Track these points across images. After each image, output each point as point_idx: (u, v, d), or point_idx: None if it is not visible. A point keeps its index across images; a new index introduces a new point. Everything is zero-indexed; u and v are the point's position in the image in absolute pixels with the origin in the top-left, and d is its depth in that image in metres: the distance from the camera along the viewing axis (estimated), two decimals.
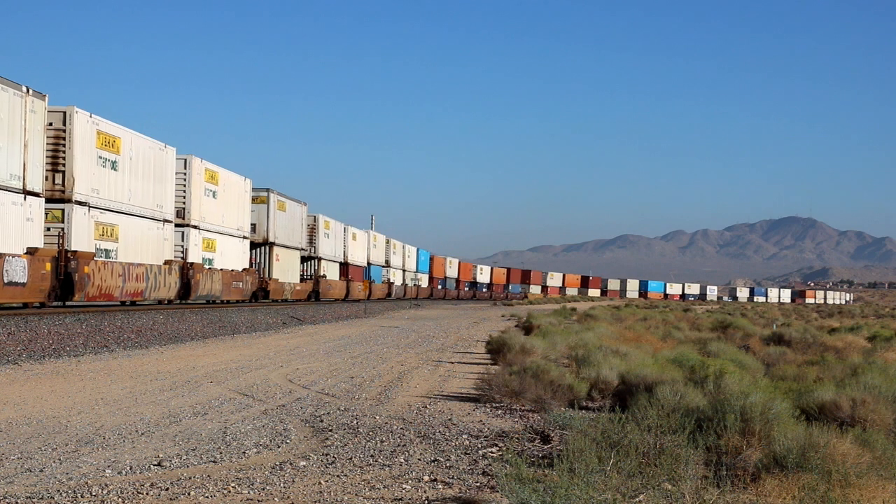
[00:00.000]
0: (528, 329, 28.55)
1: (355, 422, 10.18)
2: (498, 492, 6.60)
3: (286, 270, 45.46)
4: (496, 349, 17.96)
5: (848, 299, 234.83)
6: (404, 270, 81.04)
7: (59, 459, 7.87)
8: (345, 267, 59.21)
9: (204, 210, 34.45)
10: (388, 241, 75.09)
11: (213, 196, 35.56)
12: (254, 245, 41.90)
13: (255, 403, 11.55)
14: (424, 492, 6.90)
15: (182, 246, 32.70)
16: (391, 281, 74.48)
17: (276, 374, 15.03)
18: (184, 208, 32.96)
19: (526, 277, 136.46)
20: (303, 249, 48.98)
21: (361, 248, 64.23)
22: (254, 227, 41.62)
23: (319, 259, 52.83)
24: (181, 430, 9.40)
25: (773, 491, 6.48)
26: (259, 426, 9.76)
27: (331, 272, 55.30)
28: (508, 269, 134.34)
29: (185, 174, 33.02)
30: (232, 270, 37.26)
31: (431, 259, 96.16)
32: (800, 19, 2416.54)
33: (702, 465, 7.08)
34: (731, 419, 7.81)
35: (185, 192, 33.04)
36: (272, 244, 42.99)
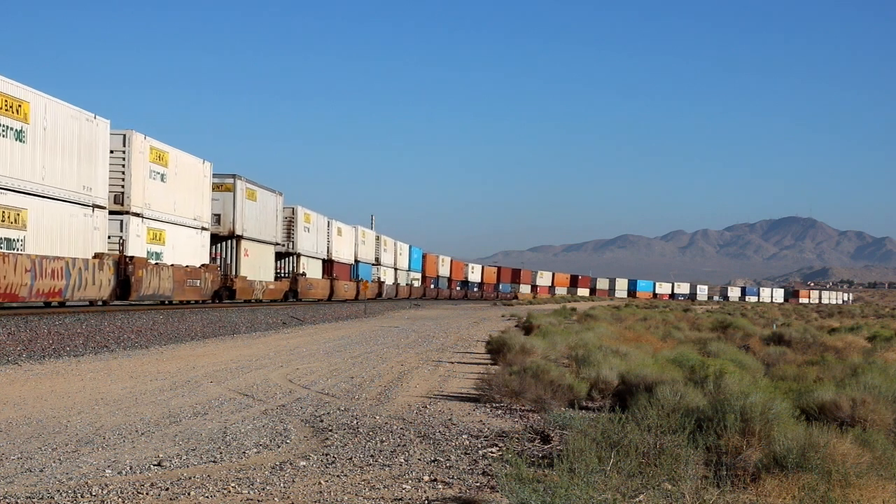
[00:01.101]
0: (528, 329, 28.55)
1: (355, 422, 10.18)
2: (498, 492, 6.59)
3: (257, 267, 41.03)
4: (496, 349, 17.95)
5: (846, 299, 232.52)
6: (396, 269, 76.91)
7: (59, 459, 7.86)
8: (329, 264, 54.83)
9: (149, 195, 29.62)
10: (378, 238, 70.81)
11: (162, 179, 30.58)
12: (218, 238, 37.62)
13: (255, 403, 11.54)
14: (424, 492, 6.90)
15: (120, 237, 28.29)
16: (382, 280, 70.45)
17: (276, 374, 15.03)
18: (122, 193, 28.34)
19: (516, 277, 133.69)
20: (278, 244, 44.43)
21: (348, 244, 60.05)
22: (218, 217, 37.07)
23: (298, 255, 48.41)
24: (181, 430, 9.40)
25: (773, 491, 6.48)
26: (259, 426, 9.75)
27: (312, 270, 50.92)
28: (499, 268, 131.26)
29: (124, 152, 28.41)
30: (187, 266, 32.61)
31: (424, 257, 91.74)
32: (799, 19, 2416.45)
33: (702, 465, 7.08)
34: (731, 419, 7.81)
35: (123, 173, 28.38)
36: (240, 237, 38.64)
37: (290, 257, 48.30)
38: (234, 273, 38.35)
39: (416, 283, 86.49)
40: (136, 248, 28.91)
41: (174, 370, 15.43)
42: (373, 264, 68.32)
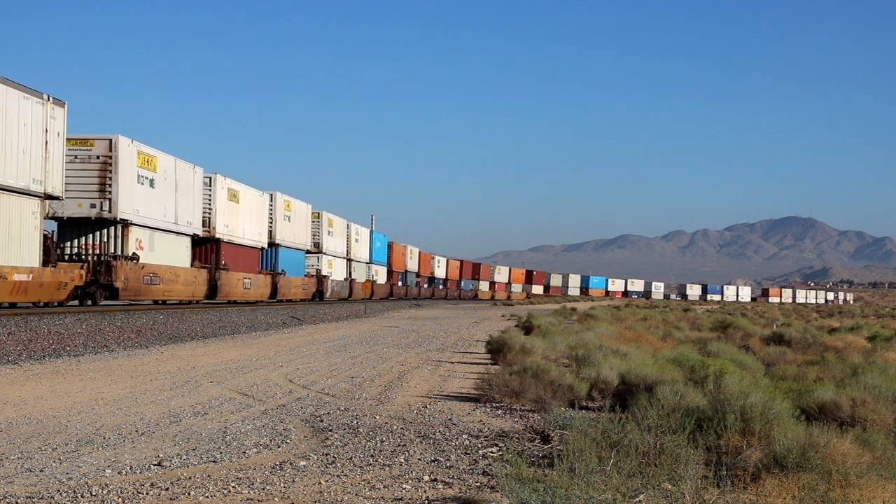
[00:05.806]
0: (527, 329, 28.55)
1: (355, 422, 10.18)
2: (498, 492, 6.59)
3: None
4: (496, 349, 17.96)
5: (830, 298, 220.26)
6: (350, 260, 60.22)
7: (59, 459, 7.86)
8: (210, 247, 37.37)
9: None
10: (318, 215, 52.40)
11: None
12: None
13: (255, 403, 11.55)
14: (424, 492, 6.90)
15: None
16: (324, 273, 53.15)
17: (276, 374, 15.03)
18: None
19: (476, 272, 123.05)
20: (52, 197, 24.92)
21: (254, 218, 41.74)
22: None
23: (126, 225, 29.80)
24: (181, 430, 9.40)
25: (773, 491, 6.48)
26: (259, 426, 9.75)
27: (164, 252, 32.64)
28: (461, 262, 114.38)
29: None
30: None
31: (390, 247, 74.01)
32: (799, 19, 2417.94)
33: (702, 465, 7.08)
34: (731, 419, 7.81)
35: None
36: None
37: (108, 228, 29.80)
38: None
39: (381, 279, 69.44)
40: None
41: (174, 370, 15.43)
42: (309, 251, 51.54)
